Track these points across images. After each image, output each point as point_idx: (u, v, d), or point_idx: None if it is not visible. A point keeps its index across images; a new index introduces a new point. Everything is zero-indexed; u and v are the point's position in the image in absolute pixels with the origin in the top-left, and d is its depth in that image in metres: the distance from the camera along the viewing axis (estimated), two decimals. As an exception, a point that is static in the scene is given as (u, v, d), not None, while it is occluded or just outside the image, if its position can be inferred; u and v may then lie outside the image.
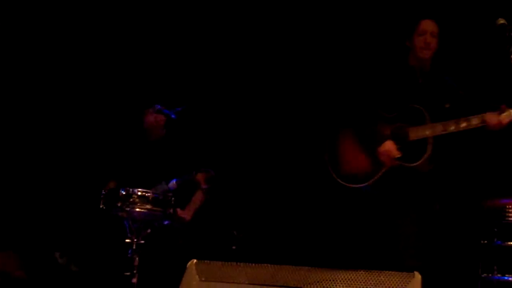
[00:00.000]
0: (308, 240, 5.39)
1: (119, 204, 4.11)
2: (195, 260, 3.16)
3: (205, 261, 3.28)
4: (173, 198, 4.32)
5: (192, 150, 4.96)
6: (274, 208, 5.58)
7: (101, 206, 4.20)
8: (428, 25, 4.09)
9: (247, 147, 5.66)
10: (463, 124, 3.87)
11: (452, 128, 3.88)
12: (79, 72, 5.90)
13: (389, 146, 3.94)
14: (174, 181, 4.58)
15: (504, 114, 3.86)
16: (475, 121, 3.86)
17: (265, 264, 3.28)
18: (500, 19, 3.64)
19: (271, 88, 5.72)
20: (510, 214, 4.68)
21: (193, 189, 4.79)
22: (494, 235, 4.69)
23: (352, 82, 4.34)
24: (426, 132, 3.92)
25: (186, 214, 4.71)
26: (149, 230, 4.28)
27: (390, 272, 3.19)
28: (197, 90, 5.77)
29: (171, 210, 4.31)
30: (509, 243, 4.65)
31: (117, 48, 5.92)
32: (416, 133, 3.94)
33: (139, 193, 4.18)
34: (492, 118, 3.85)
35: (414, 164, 3.90)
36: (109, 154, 5.17)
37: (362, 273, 3.21)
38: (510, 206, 4.68)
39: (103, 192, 4.21)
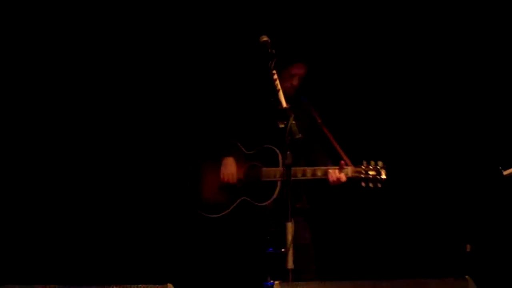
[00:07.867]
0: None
1: None
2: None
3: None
4: None
5: None
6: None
7: None
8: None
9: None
10: (309, 174, 4.28)
11: (299, 175, 4.26)
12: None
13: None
14: None
15: (343, 172, 4.23)
16: (319, 172, 4.28)
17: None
18: (263, 36, 3.77)
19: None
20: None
21: None
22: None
23: (217, 115, 4.65)
24: (277, 175, 4.30)
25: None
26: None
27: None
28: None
29: None
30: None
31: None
32: (268, 175, 4.35)
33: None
34: (332, 174, 4.23)
35: (263, 204, 4.33)
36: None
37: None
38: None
39: None
